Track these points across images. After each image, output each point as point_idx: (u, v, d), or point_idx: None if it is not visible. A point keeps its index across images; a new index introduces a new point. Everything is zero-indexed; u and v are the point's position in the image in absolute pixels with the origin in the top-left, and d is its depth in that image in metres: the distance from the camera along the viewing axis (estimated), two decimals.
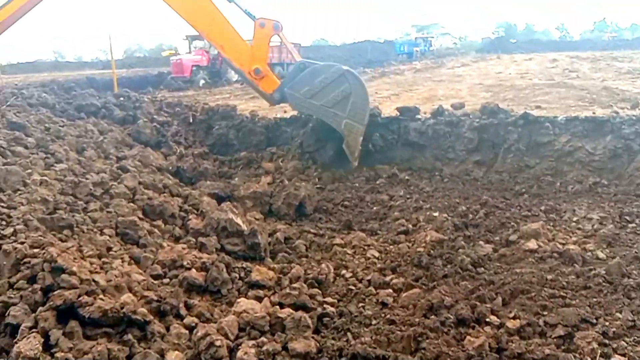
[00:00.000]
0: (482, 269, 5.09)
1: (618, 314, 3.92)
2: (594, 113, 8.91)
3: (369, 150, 9.10)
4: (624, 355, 3.46)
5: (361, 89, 8.25)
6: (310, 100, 8.18)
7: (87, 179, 6.24)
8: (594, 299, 4.22)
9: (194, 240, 5.64)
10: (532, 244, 5.44)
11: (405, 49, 48.72)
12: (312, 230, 6.39)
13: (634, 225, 6.01)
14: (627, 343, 3.57)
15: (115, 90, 14.32)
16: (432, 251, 5.44)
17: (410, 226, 6.35)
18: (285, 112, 10.67)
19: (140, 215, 5.84)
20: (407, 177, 8.49)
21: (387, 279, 4.94)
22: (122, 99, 11.00)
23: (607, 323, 3.80)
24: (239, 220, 5.74)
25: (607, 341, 3.58)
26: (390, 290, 4.69)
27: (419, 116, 9.41)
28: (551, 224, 6.23)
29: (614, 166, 7.85)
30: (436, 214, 6.60)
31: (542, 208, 6.78)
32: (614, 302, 4.15)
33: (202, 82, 24.12)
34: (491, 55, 40.53)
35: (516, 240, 5.70)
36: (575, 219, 6.33)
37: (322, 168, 8.77)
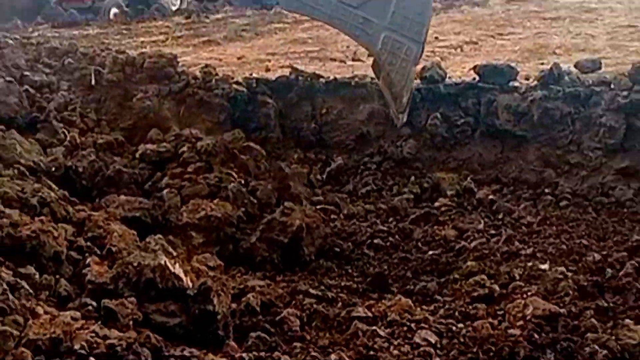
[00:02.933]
0: None
1: None
2: None
3: (421, 143, 7.00)
4: None
5: None
6: None
7: None
8: None
9: (93, 304, 4.18)
10: None
11: None
12: (313, 292, 4.79)
13: None
14: None
15: None
16: (536, 335, 4.11)
17: (496, 288, 4.76)
18: (268, 69, 8.16)
19: None
20: (491, 197, 6.54)
21: None
22: None
23: None
24: (177, 270, 4.36)
25: None
26: None
27: (516, 84, 7.09)
28: None
29: None
30: (545, 266, 5.10)
31: None
32: None
33: (114, 10, 18.45)
34: None
35: None
36: None
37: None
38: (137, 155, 6.62)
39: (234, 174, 6.21)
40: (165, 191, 5.89)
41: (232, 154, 6.41)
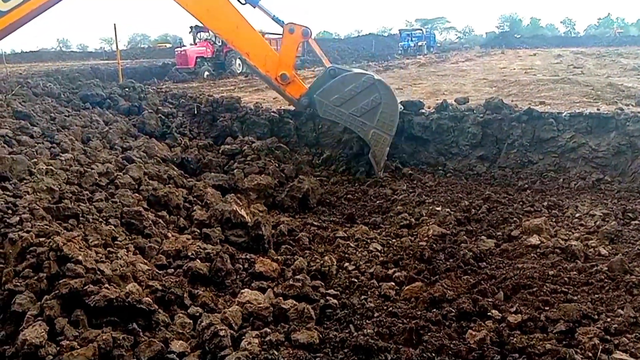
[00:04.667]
0: (484, 263, 5.12)
1: (620, 311, 3.92)
2: (598, 109, 8.90)
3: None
4: (625, 351, 3.46)
5: (391, 100, 8.24)
6: (339, 108, 8.16)
7: (92, 169, 6.28)
8: (596, 295, 4.23)
9: (198, 231, 5.67)
10: (534, 240, 5.46)
11: (411, 42, 45.74)
12: (315, 223, 6.42)
13: (636, 222, 6.00)
14: (628, 339, 3.57)
15: (120, 81, 14.26)
16: (434, 245, 5.47)
17: (413, 220, 6.37)
18: (289, 104, 10.55)
19: (145, 206, 5.88)
20: (410, 172, 8.53)
21: (390, 272, 4.98)
22: (127, 89, 10.98)
23: (608, 319, 3.80)
24: (242, 212, 5.78)
25: (608, 337, 3.58)
26: (393, 284, 4.72)
27: (423, 110, 9.43)
28: (553, 219, 6.23)
29: (618, 163, 7.83)
30: (439, 208, 6.63)
31: (545, 204, 6.78)
32: (615, 298, 4.15)
33: (206, 73, 24.11)
34: (495, 50, 40.37)
35: (518, 235, 5.72)
36: (577, 215, 6.33)
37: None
38: (220, 151, 8.64)
39: (272, 161, 8.19)
40: (235, 170, 7.77)
41: (271, 150, 8.49)
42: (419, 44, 45.94)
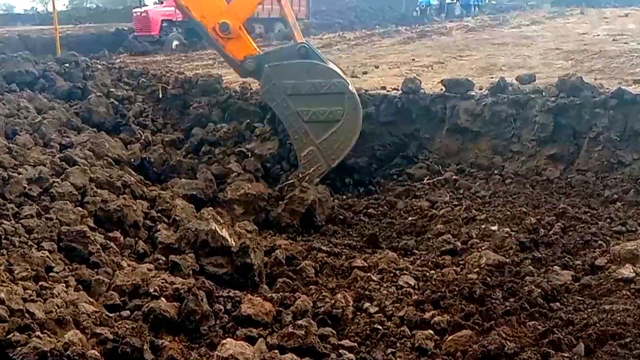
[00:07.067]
0: (558, 304, 5.09)
1: None
2: None
3: (400, 139, 9.28)
4: None
5: (353, 124, 8.36)
6: (287, 97, 8.29)
7: (19, 173, 6.30)
8: None
9: (163, 259, 5.72)
10: (627, 271, 5.37)
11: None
12: (324, 248, 6.48)
13: None
14: None
15: (59, 54, 14.50)
16: (488, 279, 5.49)
17: (458, 244, 6.41)
18: None
19: (92, 224, 5.90)
20: (454, 177, 8.58)
21: (426, 315, 4.97)
22: (67, 65, 10.97)
23: None
24: (224, 233, 5.81)
25: None
26: (431, 332, 4.70)
27: (473, 92, 9.50)
28: None
29: None
30: (495, 227, 6.64)
31: None
32: None
33: (175, 43, 24.24)
34: (572, 9, 40.15)
35: (605, 265, 5.66)
36: None
37: None
38: (192, 147, 8.87)
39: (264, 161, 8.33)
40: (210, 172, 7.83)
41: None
42: (449, 0, 41.76)
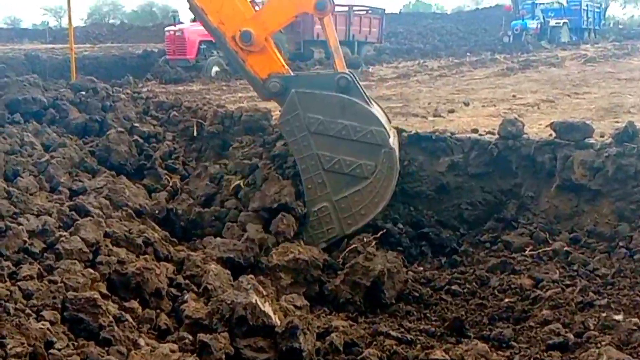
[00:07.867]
0: None
1: None
2: None
3: (496, 197, 8.57)
4: None
5: (384, 189, 7.63)
6: (310, 135, 7.61)
7: (19, 224, 6.03)
8: None
9: (190, 337, 5.25)
10: None
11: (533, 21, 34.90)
12: (393, 333, 5.87)
13: None
14: None
15: (73, 79, 14.04)
16: None
17: (570, 336, 5.64)
18: None
19: (104, 290, 5.57)
20: (566, 248, 7.67)
21: None
22: (83, 93, 10.61)
23: None
24: (267, 308, 5.49)
25: None
26: None
27: (592, 140, 8.48)
28: None
29: None
30: (619, 317, 5.91)
31: None
32: None
33: (215, 69, 22.71)
34: None
35: None
36: None
37: None
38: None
39: None
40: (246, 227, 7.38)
41: None
42: (554, 22, 36.36)
